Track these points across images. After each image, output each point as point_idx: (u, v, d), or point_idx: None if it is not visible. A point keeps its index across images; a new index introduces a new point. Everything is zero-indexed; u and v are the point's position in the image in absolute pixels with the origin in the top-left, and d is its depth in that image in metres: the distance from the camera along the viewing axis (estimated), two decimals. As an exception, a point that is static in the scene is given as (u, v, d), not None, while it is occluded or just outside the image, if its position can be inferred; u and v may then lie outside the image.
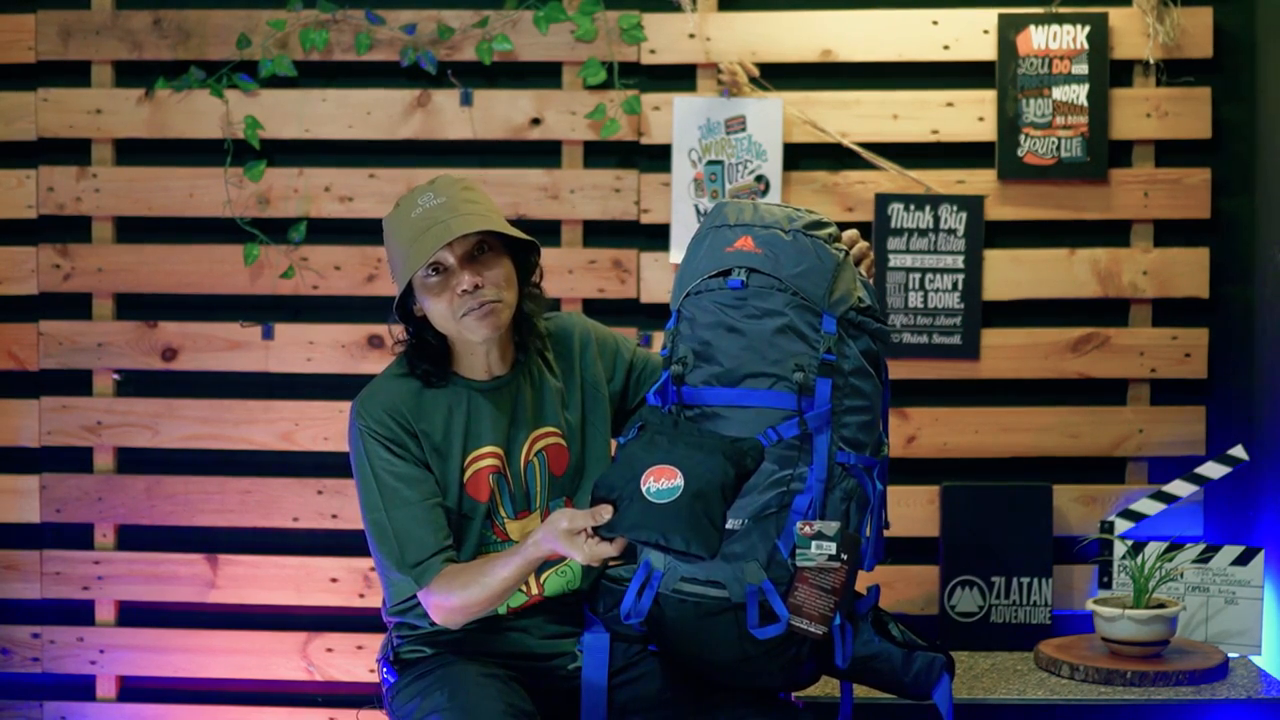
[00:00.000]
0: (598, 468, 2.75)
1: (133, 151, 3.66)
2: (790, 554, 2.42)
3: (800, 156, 3.56)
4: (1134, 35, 3.50)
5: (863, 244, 2.61)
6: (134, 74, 3.65)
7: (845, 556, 2.40)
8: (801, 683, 2.62)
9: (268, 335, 3.63)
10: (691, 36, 3.54)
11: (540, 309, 2.75)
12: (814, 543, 2.40)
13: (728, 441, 2.41)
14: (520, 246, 2.69)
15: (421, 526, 2.61)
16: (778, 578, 2.42)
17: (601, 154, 3.61)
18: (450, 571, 2.59)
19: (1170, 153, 3.53)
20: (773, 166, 3.52)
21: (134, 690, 3.69)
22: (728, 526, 2.40)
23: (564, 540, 2.43)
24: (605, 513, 2.38)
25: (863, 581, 2.57)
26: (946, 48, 3.53)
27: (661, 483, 2.36)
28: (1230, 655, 3.28)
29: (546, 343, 2.77)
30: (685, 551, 2.33)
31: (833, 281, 2.50)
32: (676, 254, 3.53)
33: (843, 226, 2.62)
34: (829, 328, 2.49)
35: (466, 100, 3.59)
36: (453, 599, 2.57)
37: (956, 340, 3.53)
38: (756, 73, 3.51)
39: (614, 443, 2.82)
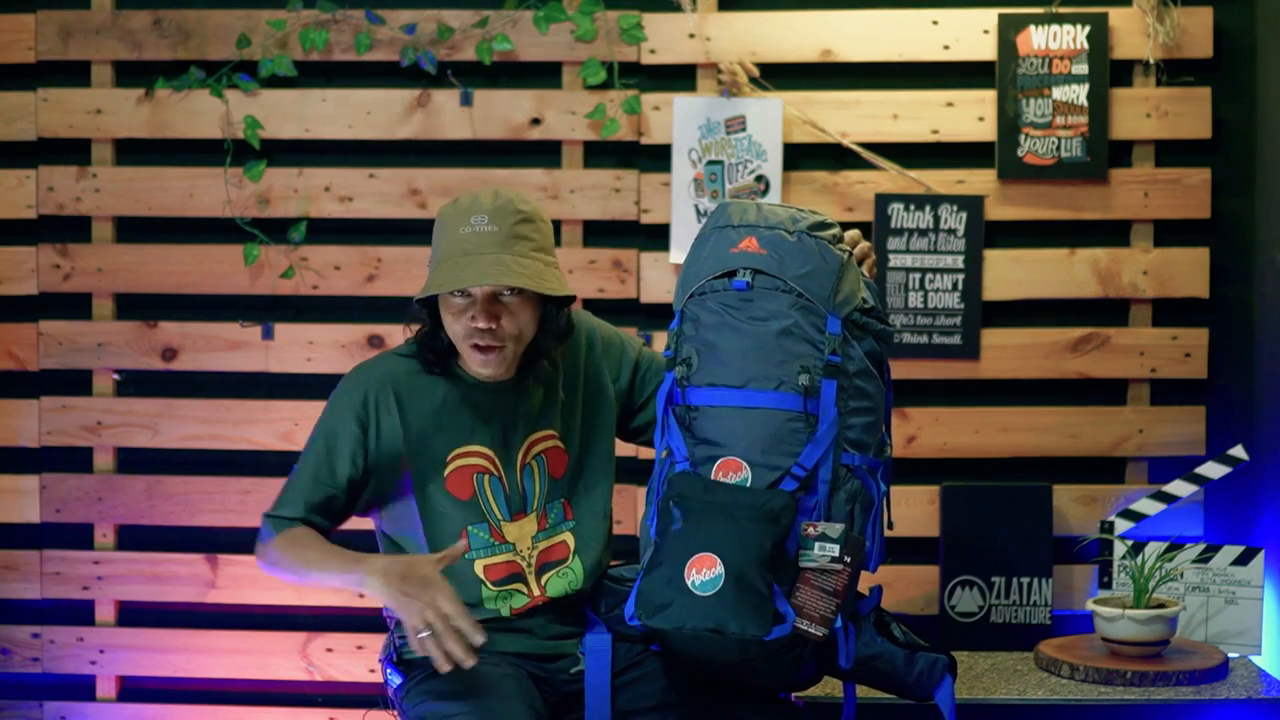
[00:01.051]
0: (597, 468, 2.75)
1: (133, 151, 3.66)
2: (795, 554, 2.43)
3: (800, 156, 3.56)
4: (1134, 35, 3.50)
5: (865, 244, 2.61)
6: (134, 74, 3.64)
7: (848, 559, 2.41)
8: (804, 683, 2.61)
9: (268, 335, 3.63)
10: (691, 36, 3.54)
11: (556, 345, 2.71)
12: (817, 544, 2.41)
13: (759, 503, 2.42)
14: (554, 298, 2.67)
15: (307, 491, 2.64)
16: (783, 579, 2.43)
17: (601, 154, 3.61)
18: (295, 533, 2.62)
19: (1170, 153, 3.53)
20: (773, 166, 3.52)
21: (134, 690, 3.69)
22: None
23: (409, 588, 2.44)
24: (461, 546, 2.49)
25: (864, 582, 2.57)
26: (946, 48, 3.53)
27: (704, 574, 2.41)
28: (1230, 655, 3.28)
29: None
30: (741, 634, 2.38)
31: (837, 283, 2.50)
32: (676, 254, 3.53)
33: (844, 227, 2.63)
34: (834, 329, 2.49)
35: (466, 100, 3.59)
36: (270, 553, 2.63)
37: (956, 340, 3.53)
38: (756, 73, 3.51)
39: (628, 440, 2.85)
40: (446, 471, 2.66)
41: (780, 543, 2.42)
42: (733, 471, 2.48)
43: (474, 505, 2.67)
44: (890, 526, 2.58)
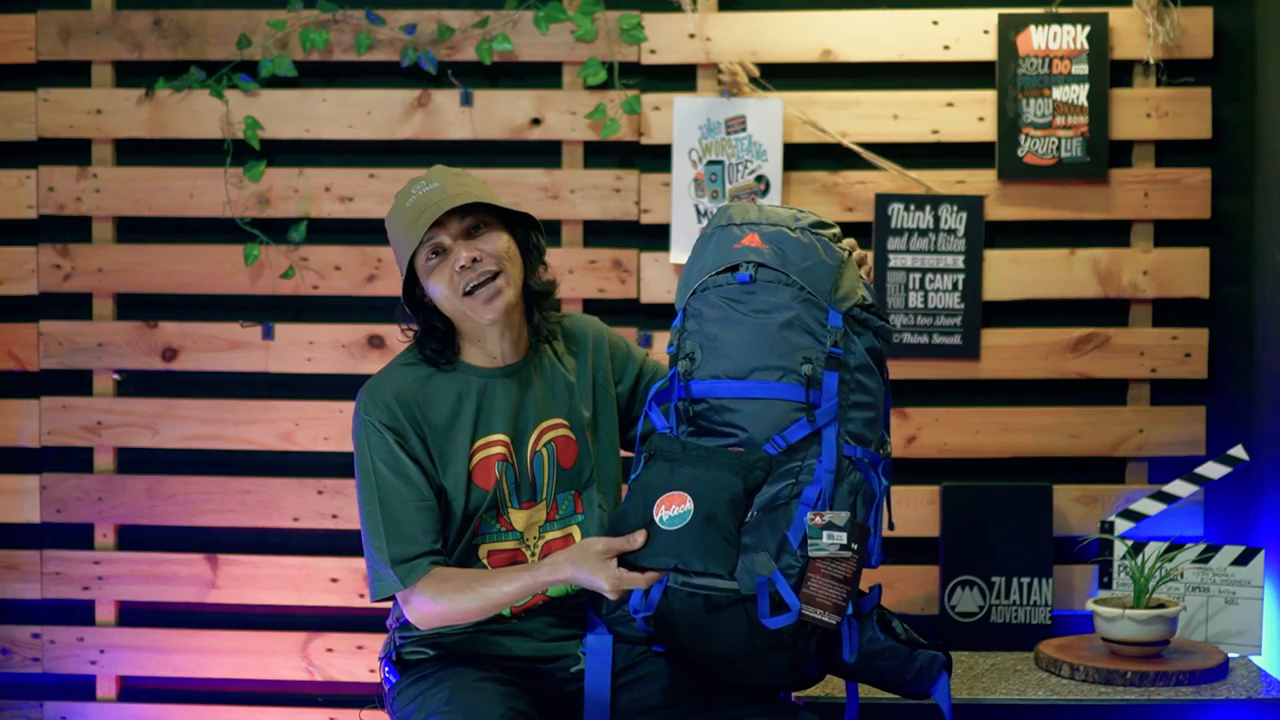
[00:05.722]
0: (607, 466, 2.77)
1: (133, 151, 3.67)
2: (800, 544, 2.44)
3: (800, 156, 3.56)
4: (1134, 35, 3.50)
5: (860, 251, 2.64)
6: (134, 74, 3.65)
7: (856, 546, 2.43)
8: (807, 680, 2.61)
9: (268, 335, 3.63)
10: (691, 36, 3.54)
11: (550, 287, 2.76)
12: (825, 533, 2.43)
13: (735, 456, 2.46)
14: (521, 224, 2.72)
15: (413, 525, 2.60)
16: (787, 568, 2.44)
17: (601, 154, 3.61)
18: (441, 575, 2.59)
19: (1170, 153, 3.53)
20: (773, 166, 3.52)
21: (134, 690, 3.69)
22: None
23: (594, 564, 2.45)
24: (640, 538, 2.44)
25: (864, 581, 2.57)
26: (946, 48, 3.53)
27: (672, 509, 2.44)
28: (1230, 655, 3.28)
29: (559, 332, 2.79)
30: (705, 571, 2.40)
31: (838, 277, 2.54)
32: (676, 254, 3.53)
33: (843, 228, 2.64)
34: (835, 322, 2.52)
35: (466, 100, 3.59)
36: (439, 604, 2.57)
37: (956, 340, 3.53)
38: (756, 73, 3.51)
39: (622, 450, 2.83)
40: (472, 464, 2.67)
41: (752, 491, 2.45)
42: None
43: (495, 493, 2.68)
44: (891, 527, 2.59)
